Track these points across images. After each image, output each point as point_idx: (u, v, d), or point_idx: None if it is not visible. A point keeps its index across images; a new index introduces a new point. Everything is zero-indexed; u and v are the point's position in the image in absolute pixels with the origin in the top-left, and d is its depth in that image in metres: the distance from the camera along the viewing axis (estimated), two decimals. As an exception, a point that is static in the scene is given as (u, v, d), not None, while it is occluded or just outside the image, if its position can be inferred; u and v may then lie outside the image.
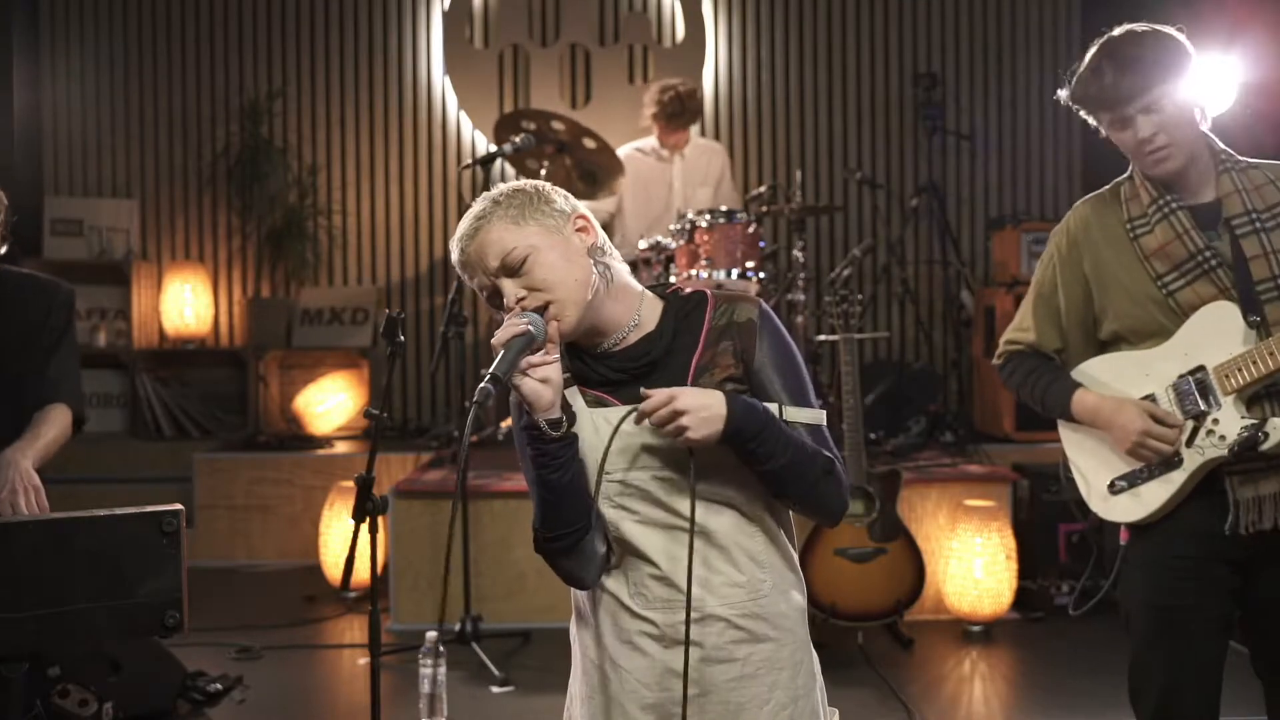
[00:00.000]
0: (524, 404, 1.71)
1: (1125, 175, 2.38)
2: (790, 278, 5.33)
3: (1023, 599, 4.69)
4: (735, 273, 4.72)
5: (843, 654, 4.17)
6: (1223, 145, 2.33)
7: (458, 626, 4.23)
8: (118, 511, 2.08)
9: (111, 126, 6.78)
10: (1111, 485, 2.33)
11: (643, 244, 5.02)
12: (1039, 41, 6.93)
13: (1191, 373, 2.25)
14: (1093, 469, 2.38)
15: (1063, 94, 2.34)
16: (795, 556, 1.90)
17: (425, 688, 3.42)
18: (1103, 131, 2.32)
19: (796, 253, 5.25)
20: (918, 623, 4.55)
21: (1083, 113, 2.33)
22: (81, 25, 6.76)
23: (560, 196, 1.83)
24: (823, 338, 4.89)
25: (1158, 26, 2.26)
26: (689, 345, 1.82)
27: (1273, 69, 5.00)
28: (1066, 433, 2.45)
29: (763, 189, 5.77)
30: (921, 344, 6.75)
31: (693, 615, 1.76)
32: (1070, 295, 2.39)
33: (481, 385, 1.64)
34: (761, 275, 4.83)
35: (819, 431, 1.82)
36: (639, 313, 1.83)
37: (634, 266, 5.36)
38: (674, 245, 4.82)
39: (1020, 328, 2.48)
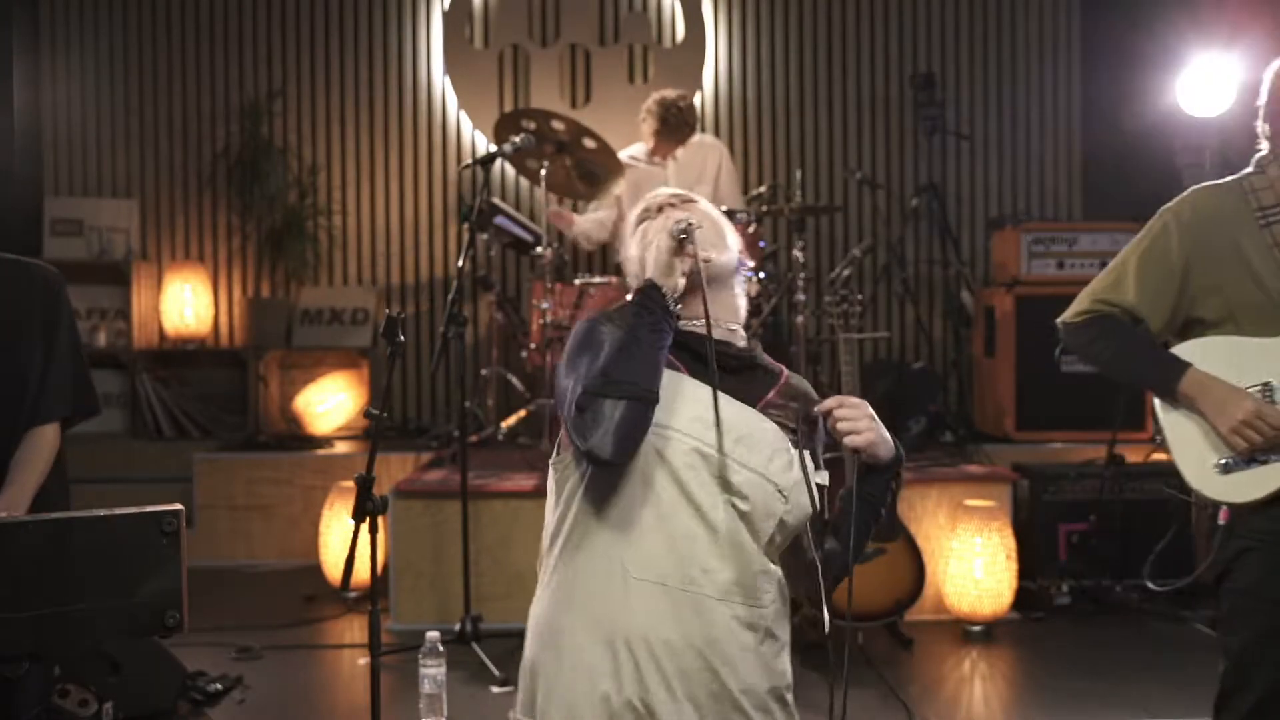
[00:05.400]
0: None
1: (1248, 172, 2.36)
2: (790, 278, 5.33)
3: (1023, 599, 4.69)
4: (735, 273, 4.70)
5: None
6: None
7: (458, 626, 4.23)
8: (118, 511, 2.09)
9: (111, 126, 6.78)
10: (1223, 465, 2.28)
11: (641, 246, 4.99)
12: (1039, 41, 6.93)
13: None
14: (1198, 448, 2.32)
15: None
16: None
17: (425, 688, 3.42)
18: None
19: (796, 253, 5.24)
20: (918, 623, 4.55)
21: None
22: (81, 25, 6.75)
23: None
24: (823, 338, 4.89)
25: None
26: (764, 381, 1.97)
27: (1272, 69, 4.99)
28: (1164, 410, 2.38)
29: (763, 189, 5.75)
30: (921, 344, 6.75)
31: (705, 599, 1.84)
32: (1187, 263, 2.34)
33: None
34: (762, 275, 4.82)
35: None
36: (739, 325, 2.02)
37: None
38: (673, 246, 4.80)
39: (1116, 288, 2.40)
